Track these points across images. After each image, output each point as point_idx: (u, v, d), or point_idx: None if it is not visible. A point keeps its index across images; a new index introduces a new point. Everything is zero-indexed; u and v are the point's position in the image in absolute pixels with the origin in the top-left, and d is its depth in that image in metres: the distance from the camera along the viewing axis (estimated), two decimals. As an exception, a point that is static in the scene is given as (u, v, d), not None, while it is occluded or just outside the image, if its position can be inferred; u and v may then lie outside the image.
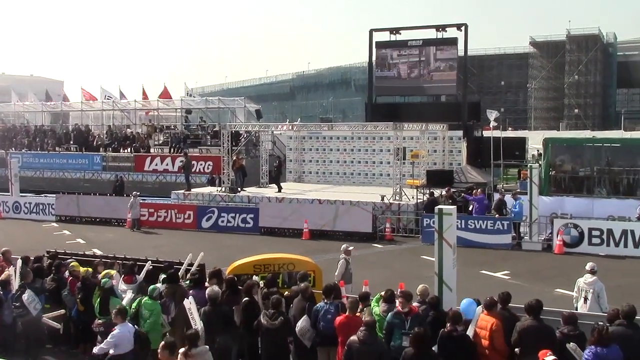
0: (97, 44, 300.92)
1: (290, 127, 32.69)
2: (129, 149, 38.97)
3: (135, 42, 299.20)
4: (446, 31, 33.00)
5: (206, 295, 9.47)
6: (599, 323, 7.65)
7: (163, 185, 34.39)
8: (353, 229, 22.50)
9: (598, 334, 7.34)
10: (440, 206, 10.42)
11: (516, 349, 8.22)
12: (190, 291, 10.11)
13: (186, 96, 43.15)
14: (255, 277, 10.90)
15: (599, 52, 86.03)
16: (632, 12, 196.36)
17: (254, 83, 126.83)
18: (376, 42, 34.71)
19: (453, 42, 33.09)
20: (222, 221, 24.58)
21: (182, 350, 7.71)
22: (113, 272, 11.38)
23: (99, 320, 10.01)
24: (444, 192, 23.24)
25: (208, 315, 9.18)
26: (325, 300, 9.27)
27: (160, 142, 39.22)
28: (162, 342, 7.79)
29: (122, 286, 10.89)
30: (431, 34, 33.66)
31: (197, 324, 8.88)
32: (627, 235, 19.23)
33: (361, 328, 7.96)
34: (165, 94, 43.58)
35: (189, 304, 9.15)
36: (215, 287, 9.63)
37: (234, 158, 28.64)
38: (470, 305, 8.52)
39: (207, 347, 8.21)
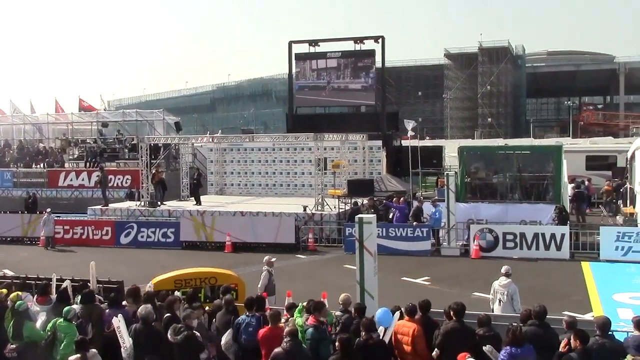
0: (5, 54, 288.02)
1: (210, 139, 32.32)
2: (41, 164, 37.51)
3: (47, 53, 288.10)
4: (364, 43, 33.66)
5: (138, 314, 9.12)
6: (513, 324, 7.95)
7: (79, 201, 33.22)
8: (276, 240, 22.50)
9: (512, 335, 7.63)
10: (360, 215, 10.53)
11: (433, 353, 8.43)
12: (107, 311, 9.76)
13: (102, 109, 41.77)
14: (176, 293, 10.71)
15: (509, 63, 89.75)
16: (539, 25, 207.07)
17: (173, 95, 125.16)
18: (295, 53, 34.96)
19: (371, 53, 33.74)
20: (142, 236, 24.00)
21: (75, 356, 7.90)
22: (23, 293, 10.84)
23: (12, 346, 9.53)
24: (365, 202, 23.56)
25: (138, 334, 8.84)
26: (247, 313, 9.19)
27: (75, 156, 37.91)
28: None
29: (35, 307, 10.42)
30: (349, 46, 34.28)
31: (126, 341, 8.66)
32: (539, 239, 20.11)
33: (285, 339, 7.91)
34: (86, 106, 42.30)
35: (118, 322, 8.88)
36: (149, 306, 9.29)
37: (154, 171, 28.04)
38: (385, 314, 8.66)
39: (96, 350, 8.17)
